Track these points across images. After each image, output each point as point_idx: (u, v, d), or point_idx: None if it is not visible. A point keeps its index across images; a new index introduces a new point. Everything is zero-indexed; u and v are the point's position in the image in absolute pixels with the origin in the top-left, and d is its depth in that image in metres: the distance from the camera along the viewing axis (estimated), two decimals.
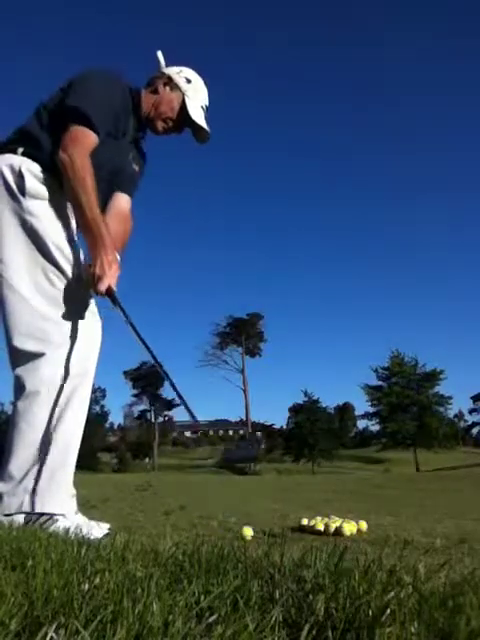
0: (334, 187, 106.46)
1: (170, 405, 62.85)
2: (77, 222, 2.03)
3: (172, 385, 1.94)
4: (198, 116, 2.27)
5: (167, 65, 2.34)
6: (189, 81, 2.29)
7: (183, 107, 2.26)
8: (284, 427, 66.75)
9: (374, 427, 54.15)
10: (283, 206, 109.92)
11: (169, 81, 2.27)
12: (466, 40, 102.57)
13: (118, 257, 2.03)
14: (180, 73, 2.30)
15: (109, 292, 1.95)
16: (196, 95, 2.29)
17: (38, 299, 1.93)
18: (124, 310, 1.97)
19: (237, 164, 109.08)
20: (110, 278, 1.93)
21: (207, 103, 2.33)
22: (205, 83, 2.35)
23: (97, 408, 65.58)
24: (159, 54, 2.34)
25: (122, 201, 2.27)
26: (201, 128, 2.29)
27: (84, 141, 1.98)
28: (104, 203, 2.18)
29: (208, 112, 2.33)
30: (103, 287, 1.92)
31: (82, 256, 2.05)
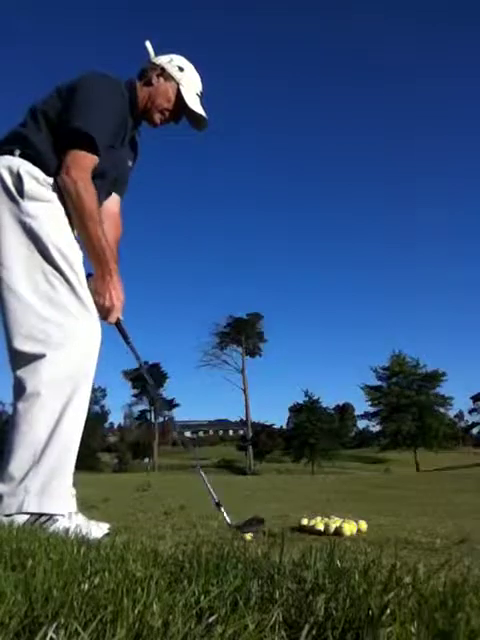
0: (335, 186, 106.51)
1: (170, 405, 62.82)
2: (86, 251, 2.06)
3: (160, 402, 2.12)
4: (195, 104, 2.27)
5: (156, 54, 2.32)
6: (182, 69, 2.28)
7: (179, 97, 2.25)
8: (284, 427, 66.82)
9: (374, 427, 54.20)
10: (284, 205, 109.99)
11: (162, 72, 2.26)
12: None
13: (120, 281, 2.10)
14: (171, 62, 2.28)
15: (117, 323, 2.11)
16: (190, 83, 2.28)
17: (38, 300, 1.93)
18: (128, 338, 2.17)
19: (237, 163, 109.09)
20: (118, 310, 2.07)
21: (201, 89, 2.32)
22: (196, 69, 2.33)
23: (97, 408, 65.66)
24: (148, 44, 2.32)
25: (112, 203, 2.29)
26: (199, 116, 2.29)
27: (86, 164, 2.00)
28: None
29: (203, 98, 2.32)
30: (113, 319, 2.07)
31: (80, 256, 2.06)
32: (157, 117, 2.27)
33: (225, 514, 2.04)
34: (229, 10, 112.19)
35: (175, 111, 2.28)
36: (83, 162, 2.00)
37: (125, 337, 2.17)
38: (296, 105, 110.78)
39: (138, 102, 2.24)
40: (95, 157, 2.02)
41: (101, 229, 2.01)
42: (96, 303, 2.03)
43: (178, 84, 2.25)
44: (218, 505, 2.06)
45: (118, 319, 2.10)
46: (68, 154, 1.99)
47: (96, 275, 2.05)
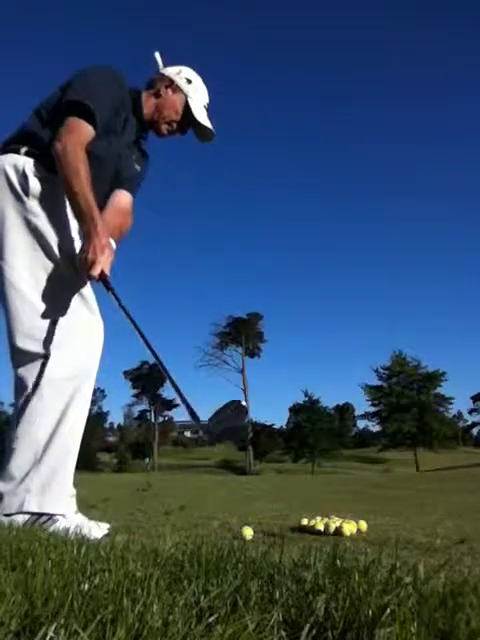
0: (335, 186, 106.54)
1: (170, 405, 62.87)
2: (72, 211, 1.99)
3: (169, 377, 1.92)
4: (202, 117, 2.28)
5: (165, 65, 2.34)
6: (190, 81, 2.29)
7: (187, 109, 2.26)
8: (284, 427, 66.84)
9: (374, 427, 54.24)
10: (283, 205, 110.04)
11: (171, 83, 2.27)
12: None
13: (113, 243, 2.01)
14: (180, 74, 2.30)
15: (102, 277, 1.92)
16: (197, 95, 2.29)
17: (41, 300, 1.93)
18: (117, 296, 1.95)
19: (237, 163, 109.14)
20: (103, 263, 1.89)
21: (208, 101, 2.33)
22: (204, 81, 2.34)
23: (96, 408, 65.71)
24: (157, 55, 2.34)
25: (122, 197, 2.27)
26: (205, 128, 2.29)
27: (79, 131, 1.97)
28: (105, 199, 2.18)
29: (209, 110, 2.33)
30: (96, 272, 1.89)
31: None
32: (164, 128, 2.28)
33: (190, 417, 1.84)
34: (228, 21, 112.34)
35: (182, 123, 2.28)
36: (75, 127, 1.96)
37: (110, 291, 1.96)
38: (296, 107, 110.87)
39: (143, 108, 2.25)
40: (90, 127, 1.99)
41: (86, 184, 1.92)
42: (81, 259, 1.91)
43: (186, 96, 2.26)
44: (190, 410, 1.86)
45: (103, 274, 1.92)
46: (62, 123, 1.97)
47: (82, 230, 1.97)
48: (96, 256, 1.88)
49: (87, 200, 1.91)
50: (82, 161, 1.93)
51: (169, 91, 2.27)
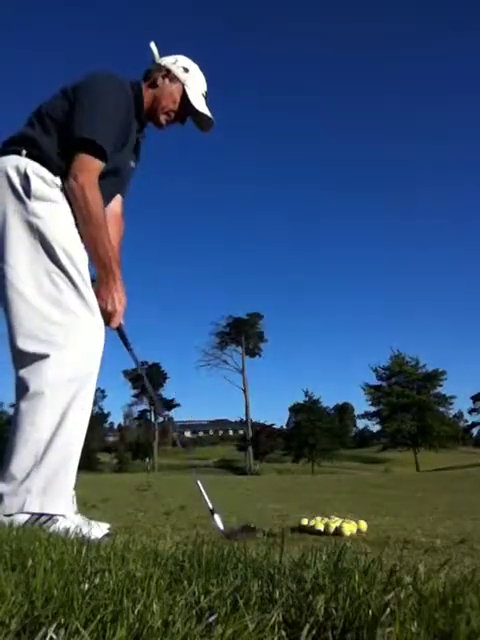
0: (334, 186, 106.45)
1: (170, 405, 62.89)
2: (88, 254, 2.07)
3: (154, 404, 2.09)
4: (200, 105, 2.27)
5: (161, 55, 2.32)
6: (187, 70, 2.28)
7: (184, 98, 2.25)
8: (284, 427, 66.86)
9: (374, 427, 54.24)
10: (284, 206, 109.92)
11: (167, 73, 2.26)
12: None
13: (123, 286, 2.13)
14: (176, 63, 2.29)
15: (119, 328, 2.15)
16: (195, 84, 2.28)
17: (42, 301, 1.93)
18: (130, 347, 2.20)
19: (238, 163, 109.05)
20: (120, 315, 2.11)
21: (206, 89, 2.32)
22: (201, 69, 2.33)
23: (96, 408, 65.76)
24: (152, 45, 2.32)
25: (114, 203, 2.31)
26: (205, 116, 2.29)
27: (93, 169, 2.01)
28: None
29: (208, 99, 2.32)
30: (115, 324, 2.11)
31: (86, 257, 2.06)
32: (163, 119, 2.28)
33: (218, 521, 2.04)
34: (229, 15, 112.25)
35: (180, 112, 2.28)
36: (90, 166, 2.00)
37: (126, 342, 2.20)
38: (297, 106, 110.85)
39: (144, 103, 2.24)
40: (100, 162, 2.03)
41: (106, 234, 2.02)
42: (99, 308, 2.04)
43: (183, 85, 2.25)
44: (212, 512, 2.06)
45: (120, 324, 2.14)
46: (75, 158, 2.00)
47: (99, 279, 2.07)
48: (114, 308, 2.09)
49: (105, 248, 2.02)
50: (101, 208, 2.02)
51: (166, 81, 2.26)
